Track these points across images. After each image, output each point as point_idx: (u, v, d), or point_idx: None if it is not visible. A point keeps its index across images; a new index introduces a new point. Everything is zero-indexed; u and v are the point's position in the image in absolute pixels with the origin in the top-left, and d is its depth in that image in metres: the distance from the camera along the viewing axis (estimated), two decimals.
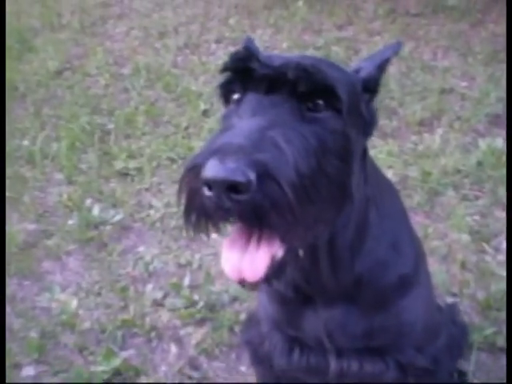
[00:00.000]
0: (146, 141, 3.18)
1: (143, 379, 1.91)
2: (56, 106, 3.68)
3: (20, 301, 2.23)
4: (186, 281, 2.22)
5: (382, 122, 3.00)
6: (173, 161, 2.98)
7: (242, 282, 0.93)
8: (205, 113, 3.39)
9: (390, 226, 1.23)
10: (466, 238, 2.32)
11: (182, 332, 2.05)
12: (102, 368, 1.93)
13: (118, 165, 2.97)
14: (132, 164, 2.97)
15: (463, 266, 2.19)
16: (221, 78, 1.08)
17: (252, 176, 0.83)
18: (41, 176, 2.96)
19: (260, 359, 1.49)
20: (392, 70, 3.58)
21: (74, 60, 4.36)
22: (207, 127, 3.20)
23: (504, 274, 2.12)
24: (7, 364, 1.90)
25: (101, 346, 2.03)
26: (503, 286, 2.05)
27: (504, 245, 2.28)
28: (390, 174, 2.64)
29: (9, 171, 2.87)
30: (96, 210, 2.64)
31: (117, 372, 1.93)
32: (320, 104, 1.00)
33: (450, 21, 4.47)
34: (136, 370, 1.93)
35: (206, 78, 3.81)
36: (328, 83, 0.99)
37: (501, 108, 3.18)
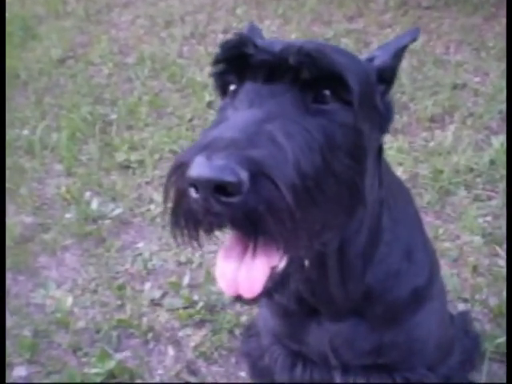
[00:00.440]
0: (148, 132, 3.10)
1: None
2: (58, 95, 3.60)
3: (14, 297, 2.16)
4: (186, 280, 2.14)
5: None
6: (176, 154, 2.88)
7: (239, 298, 0.84)
8: (210, 104, 3.30)
9: (403, 232, 1.13)
10: (478, 240, 2.23)
11: (180, 334, 1.97)
12: (95, 370, 1.85)
13: (120, 157, 2.88)
14: (134, 156, 2.88)
15: (475, 269, 2.10)
16: (214, 69, 0.98)
17: (244, 175, 0.73)
18: (40, 167, 2.88)
19: (259, 373, 1.40)
20: (403, 63, 3.45)
21: (78, 48, 4.27)
22: (212, 119, 3.08)
23: None
24: None
25: (95, 347, 1.95)
26: None
27: None
28: (399, 172, 2.55)
29: (8, 161, 2.79)
30: (95, 204, 2.56)
31: (111, 375, 1.85)
32: (326, 94, 0.90)
33: (463, 14, 4.36)
34: (131, 373, 1.85)
35: (210, 71, 3.71)
36: (335, 70, 0.89)
37: None
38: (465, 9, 4.42)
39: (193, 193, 0.76)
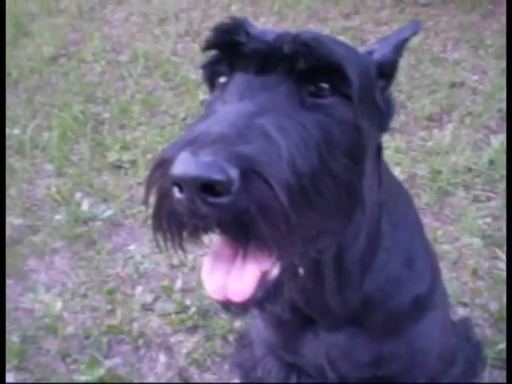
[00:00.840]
0: (141, 131, 3.04)
1: None
2: (49, 93, 3.54)
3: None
4: (178, 284, 2.08)
5: None
6: None
7: (228, 304, 0.78)
8: (204, 103, 3.23)
9: (403, 237, 1.07)
10: (477, 242, 2.18)
11: (172, 340, 1.92)
12: (85, 377, 1.80)
13: (111, 157, 2.82)
14: (126, 156, 2.82)
15: (475, 273, 2.05)
16: (205, 58, 0.92)
17: (233, 173, 0.67)
18: (30, 167, 2.82)
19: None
20: (400, 61, 3.42)
21: (70, 46, 4.21)
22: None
23: None
24: None
25: (85, 353, 1.89)
26: None
27: None
28: (397, 172, 2.49)
29: None
30: (86, 205, 2.50)
31: (101, 382, 1.79)
32: (324, 87, 0.84)
33: (461, 12, 4.31)
34: (121, 381, 1.80)
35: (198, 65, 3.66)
36: (334, 60, 0.83)
37: None
38: (462, 6, 4.37)
39: (176, 193, 0.70)
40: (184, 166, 0.67)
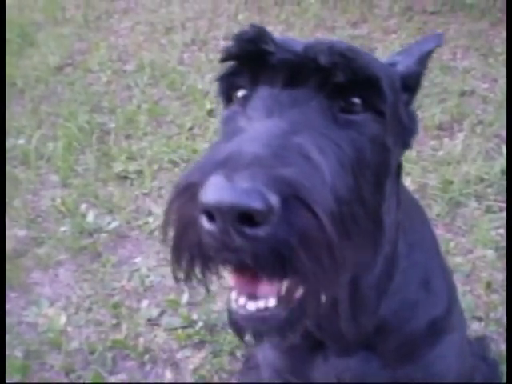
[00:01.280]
0: (147, 142, 3.00)
1: None
2: (55, 103, 3.51)
3: (6, 314, 2.05)
4: (185, 297, 2.04)
5: None
6: (175, 164, 2.79)
7: (248, 320, 0.72)
8: (210, 113, 3.20)
9: (420, 258, 1.01)
10: (491, 254, 2.13)
11: (178, 355, 1.87)
12: None
13: (117, 167, 2.78)
14: (132, 167, 2.78)
15: (489, 286, 2.00)
16: (222, 69, 0.85)
17: (274, 200, 0.59)
18: (35, 178, 2.79)
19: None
20: None
21: (76, 55, 4.18)
22: (213, 128, 3.01)
23: None
24: None
25: (89, 369, 1.85)
26: None
27: None
28: (407, 182, 2.45)
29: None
30: (91, 216, 2.46)
31: None
32: (356, 102, 0.78)
33: (470, 20, 4.27)
34: None
35: (213, 76, 3.60)
36: (371, 73, 0.77)
37: None
38: (471, 14, 4.33)
39: (205, 222, 0.62)
40: (218, 192, 0.60)
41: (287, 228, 0.62)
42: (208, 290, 0.76)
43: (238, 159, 0.63)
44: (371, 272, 0.93)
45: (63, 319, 2.01)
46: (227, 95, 0.87)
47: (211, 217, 0.62)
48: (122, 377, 1.83)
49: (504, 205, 2.38)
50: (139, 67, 3.87)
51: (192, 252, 0.68)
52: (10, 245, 2.33)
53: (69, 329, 1.99)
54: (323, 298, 0.73)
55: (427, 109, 3.08)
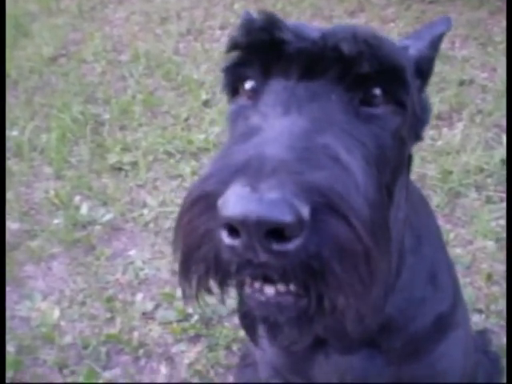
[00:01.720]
0: (142, 132, 2.95)
1: None
2: (48, 94, 3.45)
3: None
4: (180, 290, 1.99)
5: None
6: (170, 155, 2.75)
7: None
8: (206, 103, 3.16)
9: (427, 252, 0.96)
10: (491, 245, 2.09)
11: (173, 350, 1.83)
12: None
13: (111, 158, 2.74)
14: (126, 158, 2.74)
15: (489, 278, 1.96)
16: (228, 59, 0.78)
17: (305, 211, 0.54)
18: (28, 170, 2.74)
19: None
20: None
21: (71, 46, 4.13)
22: (208, 118, 2.97)
23: None
24: None
25: (83, 364, 1.81)
26: None
27: None
28: None
29: None
30: (85, 209, 2.42)
31: None
32: (377, 94, 0.71)
33: (468, 8, 4.21)
34: None
35: (209, 66, 3.58)
36: (397, 63, 0.71)
37: None
38: (470, 3, 4.28)
39: (226, 237, 0.56)
40: (243, 204, 0.53)
41: (320, 240, 0.56)
42: (224, 303, 0.70)
43: (261, 164, 0.57)
44: None
45: (56, 313, 1.98)
46: (233, 87, 0.80)
47: (233, 231, 0.56)
48: (116, 372, 1.80)
49: (504, 195, 2.34)
50: (134, 57, 3.82)
51: (207, 267, 0.62)
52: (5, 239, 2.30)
53: (62, 323, 1.96)
54: (360, 311, 0.66)
55: None
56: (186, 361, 1.79)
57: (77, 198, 2.50)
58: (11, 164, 2.80)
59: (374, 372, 1.00)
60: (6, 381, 1.78)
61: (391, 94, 0.73)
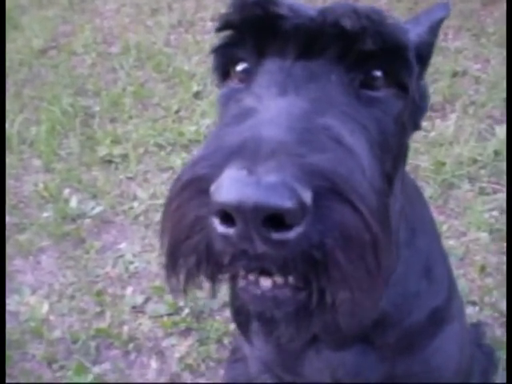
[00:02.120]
0: (132, 125, 2.92)
1: None
2: (38, 86, 3.41)
3: None
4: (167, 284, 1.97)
5: None
6: (161, 147, 2.72)
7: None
8: (197, 95, 3.12)
9: (421, 244, 0.93)
10: (484, 237, 2.07)
11: (163, 344, 1.81)
12: None
13: (101, 151, 2.71)
14: (116, 150, 2.70)
15: (483, 269, 1.95)
16: (219, 39, 0.72)
17: (307, 196, 0.49)
18: (17, 163, 2.71)
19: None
20: None
21: (61, 38, 4.08)
22: (199, 110, 2.94)
23: None
24: None
25: (72, 359, 1.79)
26: None
27: None
28: None
29: None
30: (74, 201, 2.39)
31: None
32: (378, 76, 0.67)
33: None
34: None
35: (200, 58, 3.54)
36: (401, 41, 0.67)
37: None
38: None
39: (219, 225, 0.51)
40: (239, 189, 0.49)
41: (323, 228, 0.51)
42: (215, 297, 0.65)
43: (258, 146, 0.53)
44: None
45: (45, 308, 1.95)
46: (224, 70, 0.76)
47: (227, 218, 0.51)
48: (105, 366, 1.77)
49: (498, 186, 2.33)
50: (124, 49, 3.78)
51: (197, 260, 0.57)
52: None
53: (51, 317, 1.93)
54: (364, 305, 0.61)
55: None
56: (177, 355, 1.76)
57: (66, 191, 2.47)
58: None
59: (367, 368, 0.96)
60: None
61: (393, 75, 0.69)
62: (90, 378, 1.71)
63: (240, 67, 0.73)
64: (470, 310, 1.81)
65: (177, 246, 0.58)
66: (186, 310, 1.87)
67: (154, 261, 2.09)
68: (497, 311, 1.81)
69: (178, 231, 0.57)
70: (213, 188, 0.51)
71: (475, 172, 2.40)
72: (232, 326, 1.80)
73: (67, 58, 3.75)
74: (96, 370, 1.75)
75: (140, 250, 2.15)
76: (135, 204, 2.38)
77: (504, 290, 1.87)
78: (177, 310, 1.89)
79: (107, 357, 1.80)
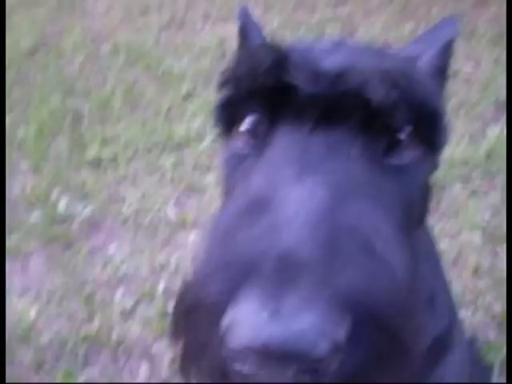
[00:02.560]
0: (122, 126, 2.89)
1: None
2: (26, 87, 3.38)
3: None
4: (161, 287, 1.95)
5: None
6: (151, 148, 2.69)
7: None
8: (187, 96, 3.10)
9: (426, 271, 0.86)
10: (477, 239, 2.06)
11: (153, 348, 1.79)
12: None
13: (90, 153, 2.68)
14: (106, 152, 2.68)
15: (476, 271, 1.94)
16: (222, 94, 0.65)
17: (341, 334, 0.42)
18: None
19: None
20: None
21: (49, 39, 4.05)
22: (189, 111, 2.92)
23: None
24: None
25: (60, 364, 1.76)
26: None
27: None
28: None
29: None
30: (63, 204, 2.36)
31: None
32: (402, 139, 0.60)
33: (452, 0, 4.19)
34: None
35: (190, 58, 3.53)
36: (434, 110, 0.61)
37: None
38: None
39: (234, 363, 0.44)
40: (260, 333, 0.41)
41: (358, 356, 0.45)
42: None
43: (280, 264, 0.44)
44: None
45: (33, 312, 1.92)
46: (226, 124, 0.67)
47: (245, 357, 0.43)
48: (94, 371, 1.74)
49: (490, 187, 2.32)
50: (114, 50, 3.75)
51: (211, 372, 0.50)
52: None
53: (39, 322, 1.90)
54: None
55: None
56: (167, 360, 1.74)
57: (54, 194, 2.44)
58: None
59: None
60: None
61: (418, 136, 0.62)
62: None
63: (246, 126, 0.64)
64: (463, 313, 1.79)
65: (189, 359, 0.52)
66: None
67: (143, 264, 2.07)
68: (490, 314, 1.80)
69: (189, 350, 0.52)
70: (225, 325, 0.44)
71: (467, 173, 2.39)
72: None
73: (56, 59, 3.72)
74: (85, 374, 1.72)
75: (129, 253, 2.13)
76: (124, 206, 2.35)
77: (497, 293, 1.86)
78: (166, 315, 1.86)
79: (96, 361, 1.77)
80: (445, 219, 2.18)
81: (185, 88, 3.16)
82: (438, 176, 2.21)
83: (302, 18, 4.03)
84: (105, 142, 2.76)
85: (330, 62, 0.60)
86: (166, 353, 1.76)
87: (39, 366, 1.77)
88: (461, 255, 2.01)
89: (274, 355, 0.41)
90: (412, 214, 0.62)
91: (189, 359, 0.50)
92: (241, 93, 0.62)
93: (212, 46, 3.60)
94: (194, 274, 0.52)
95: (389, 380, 0.47)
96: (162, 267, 2.05)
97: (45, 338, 1.84)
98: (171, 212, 2.30)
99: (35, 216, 2.33)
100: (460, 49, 3.40)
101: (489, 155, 2.49)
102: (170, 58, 3.59)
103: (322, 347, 0.41)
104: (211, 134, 2.55)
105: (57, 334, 1.85)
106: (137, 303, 1.93)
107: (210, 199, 2.34)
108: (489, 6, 4.08)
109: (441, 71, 0.81)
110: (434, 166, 0.68)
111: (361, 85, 0.57)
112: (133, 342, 1.81)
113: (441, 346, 0.90)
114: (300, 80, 0.58)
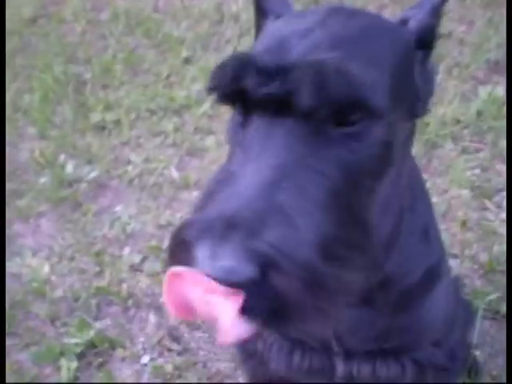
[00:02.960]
0: (124, 91, 2.97)
1: (119, 352, 1.77)
2: (29, 55, 3.45)
3: None
4: (166, 243, 2.06)
5: None
6: (152, 112, 2.78)
7: None
8: (187, 60, 3.17)
9: (421, 209, 0.99)
10: (466, 194, 2.16)
11: (161, 299, 1.90)
12: (75, 340, 1.79)
13: (94, 117, 2.76)
14: (109, 116, 2.76)
15: (464, 224, 2.04)
16: (211, 93, 0.80)
17: (252, 272, 0.63)
18: (12, 131, 2.76)
19: (250, 359, 1.26)
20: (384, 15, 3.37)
21: (50, 6, 4.09)
22: (189, 76, 2.99)
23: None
24: None
25: (74, 316, 1.88)
26: (505, 247, 1.90)
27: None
28: None
29: None
30: (70, 167, 2.46)
31: (91, 344, 1.79)
32: (352, 119, 0.73)
33: None
34: (111, 342, 1.79)
35: (189, 24, 3.58)
36: (362, 96, 0.71)
37: (501, 54, 2.98)
38: None
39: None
40: (203, 266, 0.65)
41: (267, 287, 0.65)
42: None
43: (224, 224, 0.66)
44: (381, 233, 0.88)
45: (46, 268, 2.03)
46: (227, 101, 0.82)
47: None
48: (106, 322, 1.87)
49: (480, 145, 2.41)
50: (114, 16, 3.80)
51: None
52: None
53: (52, 278, 2.02)
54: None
55: None
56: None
57: (62, 157, 2.54)
58: None
59: (366, 325, 1.02)
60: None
61: (365, 113, 0.73)
62: (91, 334, 1.80)
63: (236, 110, 0.81)
64: (451, 263, 1.89)
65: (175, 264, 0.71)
66: None
67: (149, 222, 2.18)
68: (476, 263, 1.91)
69: (177, 262, 0.70)
70: (194, 253, 0.67)
71: (458, 132, 2.48)
72: None
73: (57, 26, 3.77)
74: (97, 325, 1.84)
75: (135, 212, 2.23)
76: (129, 168, 2.45)
77: (483, 243, 1.97)
78: None
79: (108, 313, 1.89)
80: (436, 175, 2.28)
81: (184, 53, 3.22)
82: (430, 134, 2.31)
83: (299, 7, 4.07)
84: (108, 107, 2.84)
85: (278, 62, 0.73)
86: None
87: (54, 318, 1.89)
88: (450, 209, 2.11)
89: (213, 276, 0.64)
90: (367, 171, 0.75)
91: (174, 264, 0.70)
92: (221, 95, 0.79)
93: (210, 10, 3.65)
94: (182, 221, 0.74)
95: (302, 311, 0.67)
96: (167, 225, 2.16)
97: (58, 293, 1.95)
98: (174, 173, 2.39)
99: (44, 179, 2.44)
100: (454, 11, 3.47)
101: (479, 114, 2.57)
102: (169, 23, 3.64)
103: (240, 277, 0.63)
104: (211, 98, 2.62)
105: (70, 289, 1.96)
106: (144, 258, 2.04)
107: (211, 161, 2.43)
108: None
109: (430, 31, 0.87)
110: (387, 127, 0.76)
111: (295, 90, 0.71)
112: (141, 294, 1.93)
113: (432, 275, 1.02)
114: (253, 84, 0.73)
